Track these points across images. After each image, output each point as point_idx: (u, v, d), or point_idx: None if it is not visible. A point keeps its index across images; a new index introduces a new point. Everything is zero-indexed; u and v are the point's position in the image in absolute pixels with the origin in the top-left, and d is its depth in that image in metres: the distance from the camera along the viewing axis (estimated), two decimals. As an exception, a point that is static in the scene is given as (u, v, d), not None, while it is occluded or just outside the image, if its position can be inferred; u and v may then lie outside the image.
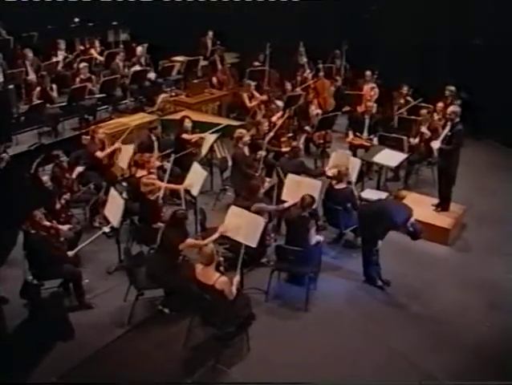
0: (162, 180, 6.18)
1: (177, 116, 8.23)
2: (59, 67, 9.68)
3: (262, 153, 7.12)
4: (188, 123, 7.47)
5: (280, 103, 8.46)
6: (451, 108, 6.49)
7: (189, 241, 5.08)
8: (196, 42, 11.16)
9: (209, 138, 7.27)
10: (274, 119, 8.14)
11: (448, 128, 6.39)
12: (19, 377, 4.29)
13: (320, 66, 9.84)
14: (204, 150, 7.26)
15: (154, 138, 7.14)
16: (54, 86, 8.60)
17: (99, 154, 6.76)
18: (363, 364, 4.66)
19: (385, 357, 4.74)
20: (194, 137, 7.39)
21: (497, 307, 5.37)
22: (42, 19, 10.49)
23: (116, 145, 6.83)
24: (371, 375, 4.55)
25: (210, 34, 11.29)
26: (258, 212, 5.55)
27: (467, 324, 5.15)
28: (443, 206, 6.74)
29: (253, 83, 9.27)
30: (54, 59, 9.65)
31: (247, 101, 9.05)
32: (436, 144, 6.48)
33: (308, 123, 8.57)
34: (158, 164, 6.73)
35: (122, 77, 9.47)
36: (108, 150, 6.83)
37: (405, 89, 8.90)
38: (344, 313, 5.29)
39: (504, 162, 8.77)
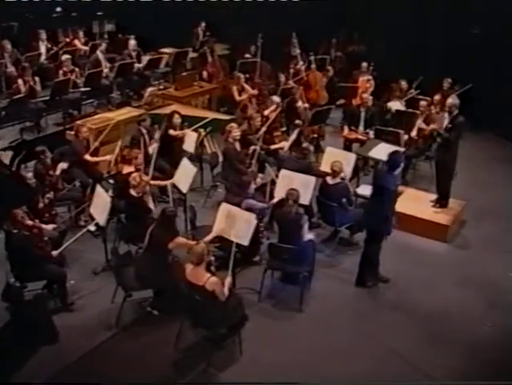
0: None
1: (165, 110, 8.21)
2: (42, 59, 9.61)
3: (257, 148, 7.12)
4: (177, 119, 7.45)
5: (277, 99, 8.34)
6: (450, 101, 6.49)
7: (179, 239, 5.06)
8: (185, 33, 11.12)
9: (192, 135, 7.24)
10: (266, 112, 8.11)
11: (447, 120, 6.39)
12: (1, 382, 4.27)
13: (312, 58, 9.83)
14: (189, 146, 7.22)
15: (144, 131, 7.11)
16: (36, 79, 8.53)
17: (88, 158, 6.72)
18: (360, 364, 4.67)
19: (382, 357, 4.76)
20: (180, 133, 7.37)
21: (497, 305, 5.41)
22: (22, 8, 10.40)
23: (108, 157, 6.76)
24: (368, 375, 4.57)
25: (203, 25, 11.25)
26: (250, 209, 5.55)
27: (466, 322, 5.19)
28: (441, 202, 6.76)
29: (242, 76, 9.25)
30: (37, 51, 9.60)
31: (236, 94, 9.02)
32: (445, 134, 6.42)
33: (298, 118, 8.54)
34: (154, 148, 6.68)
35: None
36: (97, 159, 6.79)
37: (403, 84, 8.90)
38: (340, 312, 5.31)
39: (504, 155, 8.82)
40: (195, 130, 7.42)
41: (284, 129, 8.26)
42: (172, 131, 7.37)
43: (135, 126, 7.45)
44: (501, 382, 4.42)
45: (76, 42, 10.39)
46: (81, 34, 10.59)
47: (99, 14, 11.43)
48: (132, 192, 5.72)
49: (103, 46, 9.77)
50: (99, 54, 9.56)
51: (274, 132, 7.75)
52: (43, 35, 9.93)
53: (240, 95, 9.04)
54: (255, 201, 5.88)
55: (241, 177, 6.20)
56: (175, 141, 7.36)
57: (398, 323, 5.18)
